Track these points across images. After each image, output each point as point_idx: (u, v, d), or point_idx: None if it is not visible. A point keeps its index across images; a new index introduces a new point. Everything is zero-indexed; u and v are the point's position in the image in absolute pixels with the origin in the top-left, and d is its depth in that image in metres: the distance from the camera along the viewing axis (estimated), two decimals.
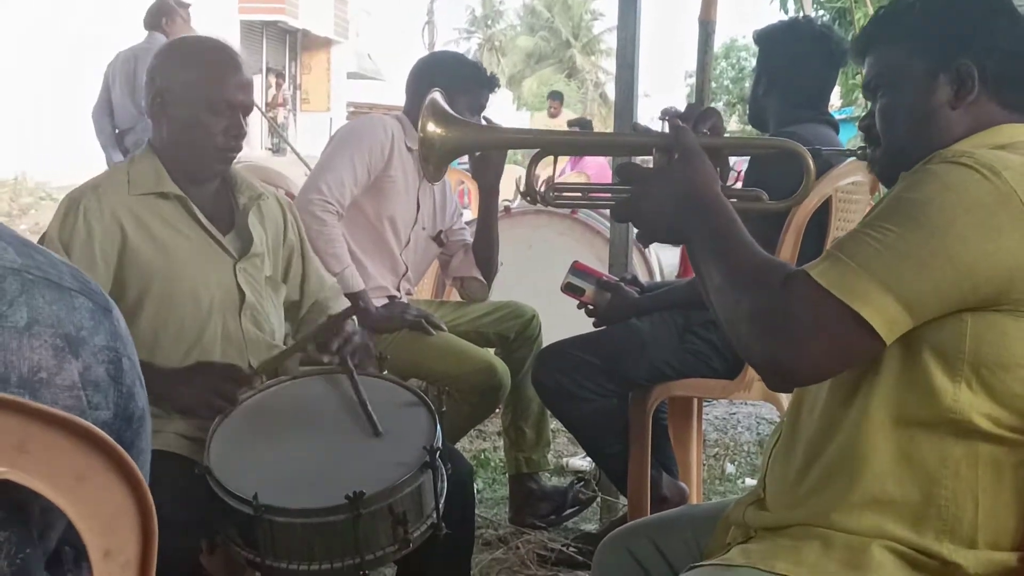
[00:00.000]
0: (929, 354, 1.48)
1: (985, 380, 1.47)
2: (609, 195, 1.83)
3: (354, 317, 2.61)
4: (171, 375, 2.27)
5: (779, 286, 1.47)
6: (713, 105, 4.45)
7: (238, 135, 2.41)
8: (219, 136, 2.38)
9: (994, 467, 1.50)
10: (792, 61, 3.14)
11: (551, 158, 1.86)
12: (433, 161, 1.83)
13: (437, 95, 1.83)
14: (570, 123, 12.98)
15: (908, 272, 1.42)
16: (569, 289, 3.04)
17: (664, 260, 5.69)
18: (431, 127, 1.80)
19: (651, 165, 1.75)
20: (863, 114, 1.77)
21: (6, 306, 0.96)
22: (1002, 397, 1.48)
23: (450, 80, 3.53)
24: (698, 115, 1.78)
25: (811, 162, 1.79)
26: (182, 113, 2.40)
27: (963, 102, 1.60)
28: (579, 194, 1.93)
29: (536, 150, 1.89)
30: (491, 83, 3.63)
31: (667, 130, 1.73)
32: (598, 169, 10.04)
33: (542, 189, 1.82)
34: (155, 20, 7.01)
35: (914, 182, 1.50)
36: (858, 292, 1.41)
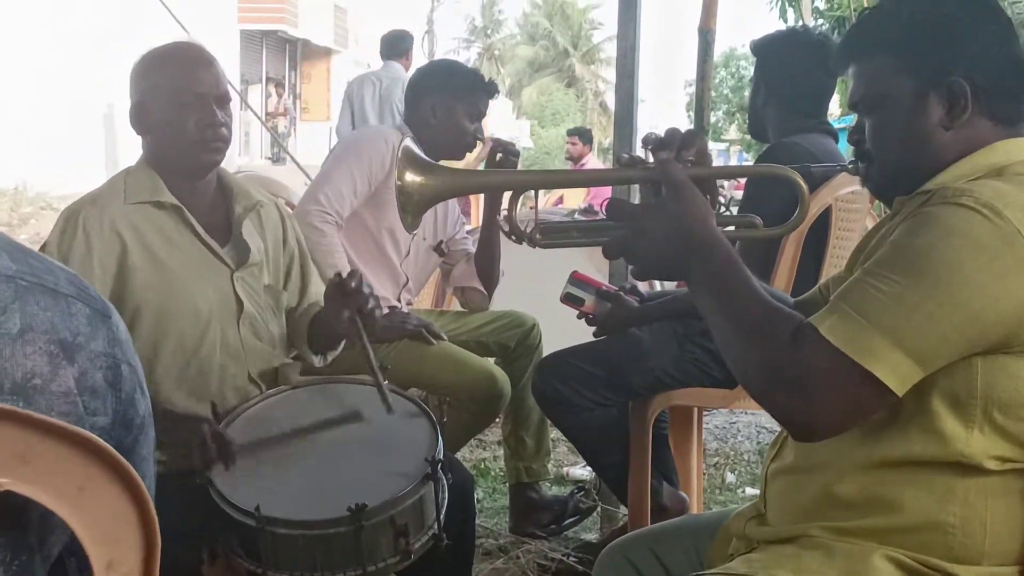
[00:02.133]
0: (940, 401, 1.48)
1: (998, 423, 1.47)
2: (599, 232, 1.77)
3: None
4: (162, 414, 2.21)
5: (788, 342, 1.45)
6: (712, 115, 4.45)
7: (211, 124, 2.38)
8: (192, 129, 2.37)
9: (1004, 496, 1.50)
10: (790, 71, 3.14)
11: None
12: (411, 210, 1.77)
13: (409, 142, 1.80)
14: (570, 132, 12.99)
15: (917, 326, 1.40)
16: (568, 299, 3.04)
17: None
18: (409, 176, 1.75)
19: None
20: (852, 127, 1.74)
21: None
22: (1016, 437, 1.47)
23: (447, 88, 3.53)
24: (681, 140, 1.72)
25: (805, 188, 1.75)
26: (156, 117, 2.40)
27: (957, 122, 1.57)
28: (567, 232, 1.85)
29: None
30: (489, 89, 3.62)
31: (650, 158, 1.69)
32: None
33: (528, 229, 1.78)
34: (396, 50, 7.90)
35: (915, 226, 1.48)
36: (869, 350, 1.40)
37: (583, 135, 12.30)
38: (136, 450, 1.08)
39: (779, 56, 3.20)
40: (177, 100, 2.37)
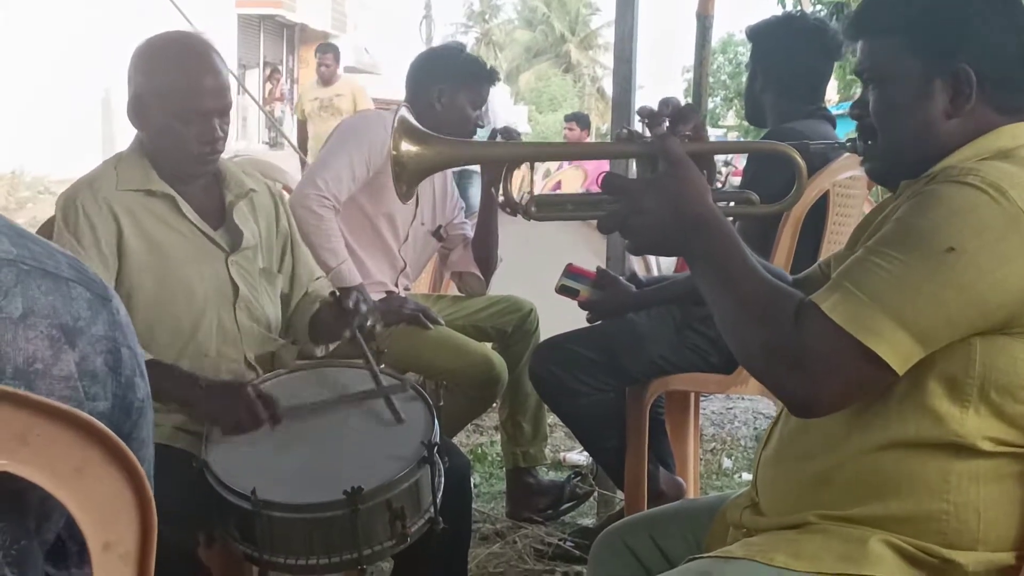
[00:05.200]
0: (936, 381, 1.47)
1: (994, 404, 1.47)
2: (594, 207, 1.73)
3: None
4: (201, 385, 2.25)
5: (791, 322, 1.44)
6: (709, 101, 4.44)
7: (211, 140, 2.39)
8: (193, 143, 2.37)
9: (997, 480, 1.50)
10: (787, 56, 3.13)
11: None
12: (405, 180, 1.75)
13: (405, 112, 1.78)
14: (567, 117, 12.97)
15: (920, 306, 1.40)
16: (563, 291, 3.05)
17: None
18: (405, 145, 1.72)
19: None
20: (855, 100, 1.71)
21: (1, 296, 0.96)
22: (1011, 419, 1.47)
23: (452, 75, 3.53)
24: (676, 114, 1.68)
25: (802, 165, 1.73)
26: (156, 120, 2.39)
27: (960, 111, 1.56)
28: (561, 205, 1.82)
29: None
30: (491, 77, 3.63)
31: (646, 129, 1.67)
32: (596, 163, 9.98)
33: (523, 201, 1.75)
34: None
35: (920, 205, 1.47)
36: (872, 329, 1.40)
37: (580, 120, 12.29)
38: (135, 434, 1.08)
39: (776, 42, 3.20)
40: (180, 114, 2.35)
